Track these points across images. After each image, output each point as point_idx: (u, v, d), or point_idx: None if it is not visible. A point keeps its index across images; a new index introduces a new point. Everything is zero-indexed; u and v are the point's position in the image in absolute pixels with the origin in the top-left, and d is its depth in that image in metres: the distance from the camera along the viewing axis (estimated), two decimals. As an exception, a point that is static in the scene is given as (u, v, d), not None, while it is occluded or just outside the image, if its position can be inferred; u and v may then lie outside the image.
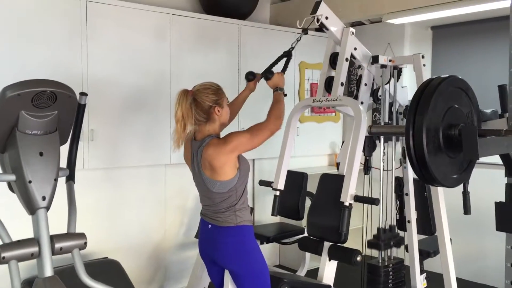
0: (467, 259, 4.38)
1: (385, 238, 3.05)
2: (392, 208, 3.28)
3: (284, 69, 2.86)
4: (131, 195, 3.95)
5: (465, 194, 2.85)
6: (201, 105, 2.39)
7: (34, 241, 1.82)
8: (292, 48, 2.89)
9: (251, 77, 2.84)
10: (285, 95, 2.69)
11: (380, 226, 3.10)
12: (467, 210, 2.87)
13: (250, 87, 2.88)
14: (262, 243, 3.70)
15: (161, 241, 4.16)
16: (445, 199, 3.11)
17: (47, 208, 1.85)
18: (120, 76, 3.72)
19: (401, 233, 3.26)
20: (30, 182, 1.80)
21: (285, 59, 2.92)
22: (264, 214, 4.70)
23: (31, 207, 1.83)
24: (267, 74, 2.68)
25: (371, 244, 3.05)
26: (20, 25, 3.27)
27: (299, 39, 2.89)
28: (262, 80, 2.85)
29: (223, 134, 2.50)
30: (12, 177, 1.83)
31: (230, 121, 2.69)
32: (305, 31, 2.92)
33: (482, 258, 4.37)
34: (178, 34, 4.01)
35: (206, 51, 4.19)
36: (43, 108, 1.80)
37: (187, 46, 4.07)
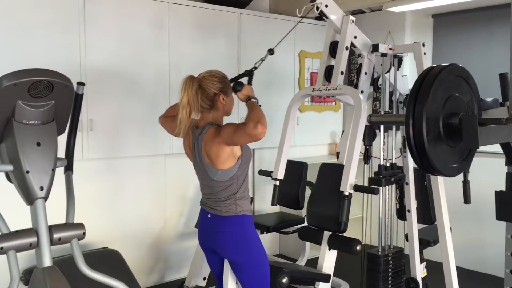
0: (467, 248, 4.39)
1: (386, 174, 3.03)
2: (392, 196, 3.28)
3: (249, 82, 2.73)
4: (131, 185, 3.94)
5: (465, 183, 2.84)
6: (207, 92, 2.38)
7: (33, 231, 1.81)
8: (255, 68, 2.77)
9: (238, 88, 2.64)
10: (260, 105, 2.49)
11: (381, 163, 3.06)
12: (467, 199, 2.86)
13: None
14: (262, 232, 3.71)
15: (161, 231, 4.16)
16: (445, 188, 3.11)
17: (45, 198, 1.84)
18: (119, 66, 3.70)
19: (401, 234, 3.23)
20: (27, 172, 1.79)
21: (247, 77, 2.80)
22: (264, 203, 4.70)
23: (29, 197, 1.82)
24: (236, 86, 2.51)
25: (372, 181, 3.01)
26: (17, 14, 3.24)
27: (263, 59, 2.80)
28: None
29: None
30: (10, 168, 1.82)
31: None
32: (271, 51, 2.84)
33: (482, 247, 4.38)
34: (176, 23, 3.98)
35: (205, 40, 4.16)
36: (40, 98, 1.78)
37: (186, 35, 4.05)
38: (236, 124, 2.35)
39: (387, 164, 3.09)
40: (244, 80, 2.69)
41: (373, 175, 3.06)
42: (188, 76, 2.40)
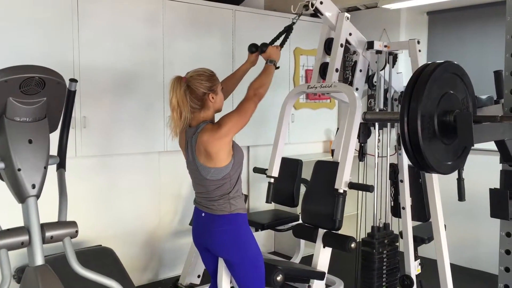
0: (461, 246, 4.40)
1: (379, 236, 3.05)
2: (387, 194, 3.28)
3: (282, 43, 2.84)
4: (125, 183, 3.92)
5: (460, 180, 2.85)
6: (195, 92, 2.36)
7: (24, 229, 1.79)
8: (294, 23, 2.86)
9: (253, 49, 2.79)
10: (277, 67, 2.67)
11: (374, 225, 3.08)
12: (461, 196, 2.87)
13: (251, 59, 2.83)
14: (257, 230, 3.70)
15: (155, 228, 4.15)
16: (439, 185, 3.11)
17: (37, 196, 1.82)
18: (112, 62, 3.68)
19: (395, 231, 3.24)
20: (19, 170, 1.77)
21: (285, 34, 2.89)
22: (259, 201, 4.69)
23: (20, 195, 1.80)
24: (262, 47, 2.68)
25: (365, 243, 3.04)
26: (9, 10, 3.21)
27: (300, 13, 2.85)
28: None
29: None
30: (1, 165, 1.79)
31: (229, 93, 2.77)
32: (306, 6, 2.86)
33: (476, 244, 4.39)
34: (171, 19, 3.96)
35: (199, 37, 4.14)
36: (31, 95, 1.76)
37: (180, 32, 4.02)
38: (234, 110, 2.40)
39: (380, 225, 3.10)
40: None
41: (366, 236, 3.06)
42: (175, 76, 2.38)
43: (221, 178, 2.37)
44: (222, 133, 2.30)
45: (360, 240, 3.07)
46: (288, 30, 2.87)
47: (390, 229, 3.19)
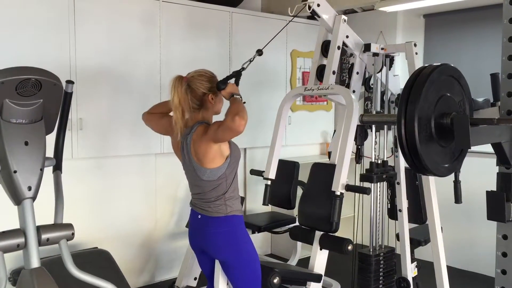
0: (458, 248, 4.40)
1: (378, 171, 3.03)
2: (384, 196, 3.28)
3: (236, 83, 2.65)
4: (121, 185, 3.91)
5: (456, 183, 2.84)
6: (195, 92, 2.36)
7: (20, 232, 1.79)
8: (243, 68, 2.71)
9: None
10: (244, 102, 2.43)
11: (373, 160, 3.06)
12: (458, 199, 2.87)
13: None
14: (253, 232, 3.70)
15: (151, 230, 4.14)
16: (436, 188, 3.11)
17: (33, 198, 1.82)
18: (109, 64, 3.67)
19: (392, 234, 3.25)
20: (15, 172, 1.76)
21: (234, 78, 2.74)
22: (256, 203, 4.69)
23: (16, 197, 1.79)
24: (220, 85, 2.46)
25: (363, 177, 3.01)
26: (5, 11, 3.20)
27: (251, 59, 2.76)
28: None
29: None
30: (-3, 167, 1.79)
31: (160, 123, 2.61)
32: (259, 51, 2.79)
33: (472, 246, 4.40)
34: (168, 21, 3.96)
35: (196, 39, 4.14)
36: (27, 97, 1.76)
37: (177, 33, 4.02)
38: (219, 122, 2.32)
39: (379, 162, 3.09)
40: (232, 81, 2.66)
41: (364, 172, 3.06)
42: (176, 76, 2.38)
43: (217, 179, 2.37)
44: (206, 137, 2.30)
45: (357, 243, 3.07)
46: (236, 75, 2.75)
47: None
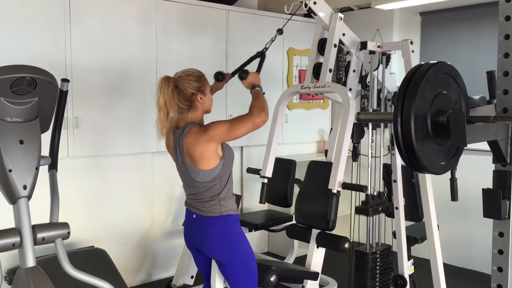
0: (455, 245, 4.42)
1: (374, 203, 3.04)
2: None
3: (258, 69, 2.74)
4: (118, 184, 3.90)
5: (453, 180, 2.85)
6: (184, 92, 2.34)
7: (15, 231, 1.78)
8: (266, 48, 2.74)
9: (220, 77, 2.69)
10: (263, 93, 2.54)
11: (369, 193, 3.08)
12: (454, 196, 2.87)
13: (218, 87, 2.73)
14: (250, 230, 3.70)
15: (148, 229, 4.13)
16: (432, 185, 3.12)
17: (29, 197, 1.81)
18: (105, 62, 3.66)
19: (388, 231, 3.26)
20: (10, 171, 1.75)
21: (258, 59, 2.79)
22: (253, 201, 4.69)
23: (11, 196, 1.78)
24: (242, 74, 2.53)
25: (359, 210, 3.03)
26: (0, 10, 3.18)
27: (273, 39, 2.77)
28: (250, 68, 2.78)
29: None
30: (-8, 166, 1.78)
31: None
32: (280, 31, 2.83)
33: (469, 244, 4.41)
34: (164, 19, 3.95)
35: (193, 37, 4.13)
36: (22, 95, 1.75)
37: (173, 32, 4.01)
38: (229, 120, 2.35)
39: (375, 193, 3.11)
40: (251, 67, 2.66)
41: (360, 204, 3.08)
42: (163, 76, 2.37)
43: (211, 180, 2.36)
44: (204, 138, 2.28)
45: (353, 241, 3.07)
46: (260, 55, 2.77)
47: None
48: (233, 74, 2.73)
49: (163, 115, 2.32)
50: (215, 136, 2.29)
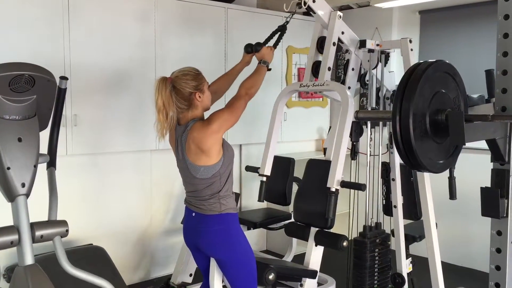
0: (453, 244, 4.42)
1: (371, 235, 3.07)
2: (379, 193, 3.29)
3: (275, 44, 2.84)
4: (116, 181, 3.90)
5: (451, 179, 2.86)
6: (182, 92, 2.34)
7: (14, 228, 1.78)
8: (287, 22, 2.86)
9: (249, 49, 2.80)
10: (269, 69, 2.69)
11: (366, 224, 3.10)
12: (452, 195, 2.88)
13: (246, 59, 2.85)
14: (249, 228, 3.69)
15: (147, 227, 4.13)
16: (431, 184, 3.12)
17: (27, 195, 1.81)
18: (104, 60, 3.65)
19: (387, 230, 3.27)
20: (8, 168, 1.75)
21: (278, 34, 2.89)
22: (251, 199, 4.69)
23: (10, 194, 1.78)
24: (256, 46, 2.68)
25: (356, 242, 3.07)
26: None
27: (294, 12, 2.85)
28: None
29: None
30: (-10, 164, 1.78)
31: (223, 93, 2.81)
32: (299, 4, 2.86)
33: (467, 242, 4.42)
34: (163, 17, 3.94)
35: (192, 35, 4.13)
36: (21, 93, 1.75)
37: (172, 30, 4.01)
38: (226, 106, 2.41)
39: (372, 225, 3.13)
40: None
41: (357, 236, 3.12)
42: (160, 77, 2.36)
43: (211, 177, 2.36)
44: (213, 129, 2.29)
45: (352, 239, 3.07)
46: (282, 29, 2.87)
47: (382, 228, 3.21)
48: (262, 44, 2.78)
49: (163, 117, 2.32)
50: (222, 125, 2.31)
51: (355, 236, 3.20)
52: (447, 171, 2.76)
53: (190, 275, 3.48)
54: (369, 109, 3.21)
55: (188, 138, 2.35)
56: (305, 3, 2.80)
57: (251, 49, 2.78)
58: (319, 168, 2.90)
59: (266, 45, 2.76)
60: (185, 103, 2.36)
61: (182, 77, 2.36)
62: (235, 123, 2.41)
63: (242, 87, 2.48)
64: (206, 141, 2.30)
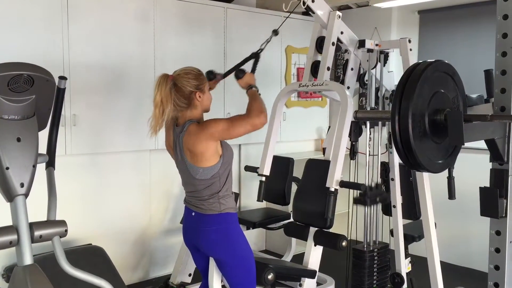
0: (452, 243, 4.43)
1: (371, 195, 3.05)
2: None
3: (253, 70, 2.72)
4: (115, 181, 3.90)
5: (450, 179, 2.86)
6: (182, 90, 2.34)
7: (13, 228, 1.77)
8: (261, 50, 2.74)
9: (211, 76, 2.66)
10: (259, 94, 2.52)
11: (367, 184, 3.08)
12: (451, 195, 2.88)
13: (210, 86, 2.67)
14: (248, 228, 3.70)
15: (146, 227, 4.13)
16: (430, 184, 3.12)
17: (26, 195, 1.80)
18: (103, 60, 3.65)
19: (386, 229, 3.27)
20: (7, 168, 1.75)
21: (253, 60, 2.77)
22: (250, 199, 4.69)
23: (9, 194, 1.78)
24: (238, 73, 2.51)
25: (357, 201, 3.04)
26: (-3, 7, 3.17)
27: (269, 40, 2.77)
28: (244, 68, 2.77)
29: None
30: (-11, 164, 1.78)
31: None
32: (275, 32, 2.83)
33: (466, 242, 4.42)
34: (162, 16, 3.94)
35: (191, 35, 4.12)
36: (20, 92, 1.74)
37: (171, 30, 4.00)
38: (228, 118, 2.33)
39: (373, 185, 3.12)
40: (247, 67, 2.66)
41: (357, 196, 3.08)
42: (162, 74, 2.37)
43: (210, 178, 2.36)
44: (204, 136, 2.29)
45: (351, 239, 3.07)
46: (255, 56, 2.75)
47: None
48: (225, 75, 2.72)
49: (158, 112, 2.31)
50: (214, 134, 2.29)
51: (354, 235, 3.19)
52: (446, 171, 2.77)
53: (189, 275, 3.48)
54: (368, 109, 3.21)
55: (184, 140, 2.35)
56: (304, 3, 2.80)
57: (213, 75, 2.65)
58: (318, 168, 2.90)
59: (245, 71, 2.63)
60: (184, 101, 2.36)
61: (184, 76, 2.36)
62: (231, 139, 2.35)
63: (252, 110, 2.34)
64: (198, 146, 2.30)
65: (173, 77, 2.36)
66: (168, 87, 2.31)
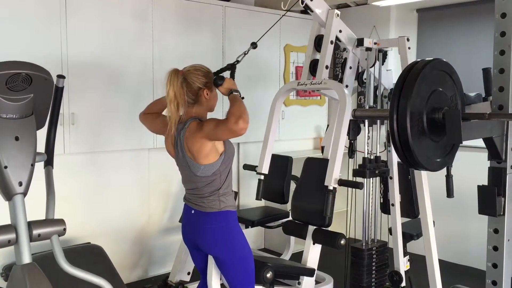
0: (450, 242, 4.43)
1: (370, 166, 3.05)
2: (376, 191, 3.29)
3: (231, 76, 2.68)
4: (114, 180, 3.90)
5: (448, 177, 2.86)
6: (191, 86, 2.36)
7: (11, 227, 1.77)
8: (238, 61, 2.71)
9: (220, 83, 2.53)
10: (243, 98, 2.43)
11: (366, 156, 3.08)
12: (450, 193, 2.88)
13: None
14: (247, 227, 3.70)
15: (145, 225, 4.13)
16: (428, 182, 3.12)
17: (24, 194, 1.80)
18: (101, 58, 3.64)
19: (384, 228, 3.27)
20: (5, 167, 1.75)
21: (229, 70, 2.73)
22: (249, 198, 4.69)
23: (7, 193, 1.78)
24: (217, 80, 2.45)
25: (356, 172, 3.04)
26: (-5, 5, 3.16)
27: (246, 52, 2.75)
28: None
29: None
30: (-13, 163, 1.77)
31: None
32: (254, 44, 2.81)
33: (464, 240, 4.43)
34: (160, 15, 3.94)
35: (189, 33, 4.12)
36: (18, 91, 1.74)
37: (170, 28, 4.00)
38: (217, 120, 2.31)
39: (372, 157, 3.11)
40: (227, 74, 2.65)
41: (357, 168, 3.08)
42: (172, 69, 2.37)
43: (211, 175, 2.36)
44: (200, 135, 2.29)
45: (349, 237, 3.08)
46: (231, 68, 2.71)
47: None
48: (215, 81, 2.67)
49: (174, 107, 2.31)
50: (207, 134, 2.28)
51: (352, 234, 3.20)
52: (444, 169, 2.77)
53: (188, 273, 3.48)
54: (367, 107, 3.22)
55: (185, 136, 2.36)
56: (302, 2, 2.80)
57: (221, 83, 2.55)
58: (317, 167, 2.90)
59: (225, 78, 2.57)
60: (192, 97, 2.37)
61: (193, 72, 2.37)
62: (218, 141, 2.32)
63: (231, 115, 2.23)
64: (194, 144, 2.32)
65: (183, 72, 2.38)
66: (179, 81, 2.32)
